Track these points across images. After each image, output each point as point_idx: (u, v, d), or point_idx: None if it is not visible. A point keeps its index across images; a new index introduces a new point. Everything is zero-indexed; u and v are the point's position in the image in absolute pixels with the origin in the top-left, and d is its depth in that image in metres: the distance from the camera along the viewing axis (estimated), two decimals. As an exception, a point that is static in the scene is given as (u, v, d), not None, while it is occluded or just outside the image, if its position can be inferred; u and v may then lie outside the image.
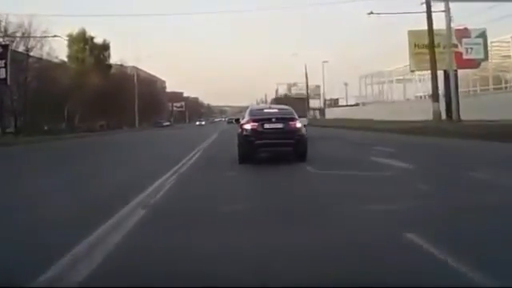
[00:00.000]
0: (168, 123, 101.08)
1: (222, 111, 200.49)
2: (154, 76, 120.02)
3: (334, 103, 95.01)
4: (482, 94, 47.60)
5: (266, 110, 15.40)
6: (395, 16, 37.29)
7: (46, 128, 53.26)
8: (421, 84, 66.49)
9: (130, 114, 75.43)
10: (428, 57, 32.77)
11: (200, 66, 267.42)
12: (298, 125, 14.32)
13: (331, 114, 78.61)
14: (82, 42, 67.35)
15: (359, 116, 63.89)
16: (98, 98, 60.22)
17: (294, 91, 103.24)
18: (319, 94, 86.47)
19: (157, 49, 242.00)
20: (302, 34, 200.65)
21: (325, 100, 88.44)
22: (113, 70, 76.35)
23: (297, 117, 14.87)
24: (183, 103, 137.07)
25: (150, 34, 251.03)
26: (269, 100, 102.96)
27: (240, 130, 14.66)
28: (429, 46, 32.15)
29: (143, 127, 78.98)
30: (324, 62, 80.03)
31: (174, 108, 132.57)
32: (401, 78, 72.79)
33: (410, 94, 73.51)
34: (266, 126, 14.06)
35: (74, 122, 61.27)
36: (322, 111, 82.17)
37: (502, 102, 35.03)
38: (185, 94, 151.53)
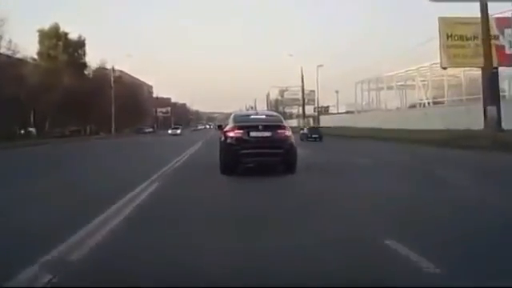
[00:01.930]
0: (151, 130, 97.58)
1: (210, 118, 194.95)
2: (139, 80, 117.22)
3: (325, 111, 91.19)
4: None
5: (252, 117, 14.83)
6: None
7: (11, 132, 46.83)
8: (424, 90, 62.00)
9: (109, 119, 69.52)
10: (465, 51, 27.48)
11: (190, 71, 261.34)
12: (288, 133, 13.73)
13: (328, 121, 73.62)
14: (54, 38, 61.35)
15: (362, 124, 58.79)
16: (71, 100, 54.59)
17: (286, 96, 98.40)
18: (314, 100, 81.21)
19: (145, 54, 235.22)
20: (298, 37, 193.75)
21: (318, 107, 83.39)
22: (93, 72, 72.12)
23: (286, 124, 14.36)
24: (169, 108, 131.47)
25: (137, 38, 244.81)
26: (260, 106, 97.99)
27: (223, 138, 13.80)
28: (483, 34, 25.42)
29: (124, 133, 73.45)
30: (319, 66, 74.76)
31: (159, 113, 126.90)
32: (401, 83, 68.74)
33: (410, 101, 69.87)
34: (252, 133, 13.37)
35: (43, 127, 55.48)
36: (316, 119, 76.50)
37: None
38: (173, 100, 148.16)
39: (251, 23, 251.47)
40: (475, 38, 28.71)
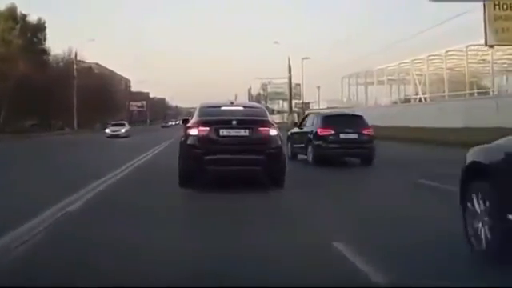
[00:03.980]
0: None
1: (189, 113, 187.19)
2: (117, 74, 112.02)
3: (306, 107, 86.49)
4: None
5: (224, 108, 11.23)
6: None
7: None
8: (420, 84, 57.25)
9: (77, 112, 63.62)
10: None
11: (170, 65, 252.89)
12: (273, 132, 10.35)
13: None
14: (10, 20, 54.80)
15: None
16: (30, 90, 48.59)
17: (270, 89, 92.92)
18: (299, 94, 76.01)
19: (124, 48, 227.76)
20: (282, 29, 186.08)
21: (303, 103, 78.30)
22: (61, 61, 66.67)
23: (271, 120, 11.09)
24: (144, 102, 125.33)
25: (115, 33, 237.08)
26: (241, 100, 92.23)
27: (183, 137, 10.48)
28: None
29: (94, 129, 67.42)
30: (304, 58, 69.45)
31: (134, 108, 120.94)
32: (392, 77, 64.04)
33: (404, 96, 65.49)
34: (223, 132, 10.13)
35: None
36: (300, 114, 70.80)
37: None
38: (152, 95, 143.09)
39: (233, 13, 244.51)
40: None
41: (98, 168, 14.22)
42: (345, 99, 73.40)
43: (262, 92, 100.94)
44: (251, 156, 10.02)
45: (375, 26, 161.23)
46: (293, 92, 69.46)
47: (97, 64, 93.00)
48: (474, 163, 5.40)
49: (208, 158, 9.91)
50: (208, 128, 10.15)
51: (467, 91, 48.99)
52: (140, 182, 11.84)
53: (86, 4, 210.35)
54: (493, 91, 44.46)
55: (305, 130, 16.78)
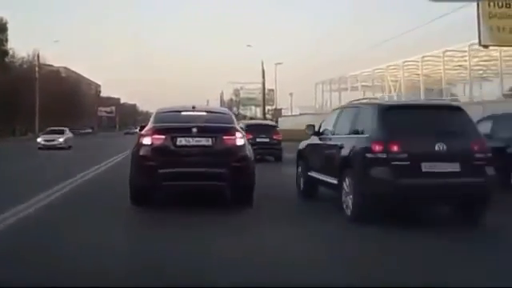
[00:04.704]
0: (90, 130, 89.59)
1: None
2: (87, 79, 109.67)
3: (278, 113, 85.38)
4: None
5: (184, 114, 9.75)
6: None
7: None
8: (396, 91, 56.29)
9: (40, 117, 61.31)
10: None
11: (142, 71, 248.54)
12: (240, 141, 9.01)
13: (288, 124, 67.27)
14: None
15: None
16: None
17: (243, 95, 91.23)
18: (272, 100, 74.72)
19: (94, 53, 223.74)
20: (255, 34, 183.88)
21: (275, 109, 77.08)
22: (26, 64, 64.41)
23: (238, 127, 9.56)
24: (113, 108, 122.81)
25: (87, 38, 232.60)
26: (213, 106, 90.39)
27: (135, 147, 9.16)
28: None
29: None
30: (278, 63, 68.16)
31: (104, 113, 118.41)
32: (368, 84, 63.16)
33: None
34: (181, 141, 8.81)
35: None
36: (275, 121, 69.43)
37: None
38: (123, 100, 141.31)
39: (204, 18, 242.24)
40: None
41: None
42: (317, 105, 72.29)
43: (234, 97, 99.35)
44: (214, 169, 8.71)
45: (352, 29, 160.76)
46: (266, 98, 67.99)
47: (65, 68, 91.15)
48: (298, 149, 11.42)
49: (163, 171, 8.57)
50: (163, 136, 8.84)
51: (444, 98, 48.07)
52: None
53: (59, 5, 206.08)
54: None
55: None
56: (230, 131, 9.11)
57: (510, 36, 21.87)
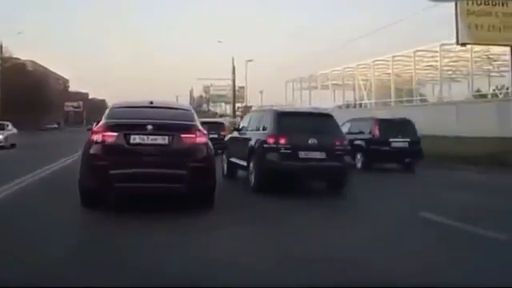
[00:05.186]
0: (55, 126, 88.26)
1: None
2: (52, 72, 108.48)
3: (248, 110, 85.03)
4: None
5: (140, 109, 9.03)
6: None
7: None
8: (366, 90, 56.41)
9: (2, 111, 59.56)
10: (492, 20, 19.99)
11: (113, 66, 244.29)
12: (200, 140, 8.40)
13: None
14: None
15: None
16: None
17: (213, 91, 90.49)
18: (242, 97, 74.26)
19: (62, 47, 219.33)
20: (226, 30, 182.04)
21: (245, 106, 76.67)
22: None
23: (199, 125, 8.79)
24: (80, 103, 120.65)
25: (56, 33, 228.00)
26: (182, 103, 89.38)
27: (86, 145, 8.38)
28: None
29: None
30: (248, 60, 67.68)
31: (71, 108, 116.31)
32: (338, 83, 63.16)
33: (348, 101, 64.68)
34: (135, 139, 8.07)
35: None
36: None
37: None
38: (92, 96, 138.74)
39: (177, 12, 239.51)
40: (504, 3, 21.35)
41: None
42: (284, 103, 72.22)
43: (204, 94, 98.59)
44: (171, 170, 8.08)
45: (325, 27, 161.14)
46: (236, 95, 67.50)
47: (32, 61, 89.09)
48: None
49: (114, 172, 7.86)
50: (116, 134, 8.07)
51: (414, 97, 48.50)
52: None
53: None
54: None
55: None
56: (190, 129, 8.46)
57: (488, 34, 21.87)
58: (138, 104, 9.59)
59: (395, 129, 17.93)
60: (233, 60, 62.73)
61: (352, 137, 16.52)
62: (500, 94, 44.83)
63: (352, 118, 20.29)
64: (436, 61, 43.67)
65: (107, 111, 9.08)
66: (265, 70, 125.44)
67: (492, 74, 49.31)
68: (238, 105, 73.05)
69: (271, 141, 11.16)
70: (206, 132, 8.84)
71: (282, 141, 11.02)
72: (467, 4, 21.59)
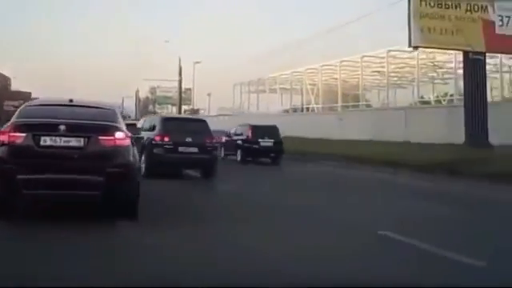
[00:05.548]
0: None
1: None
2: None
3: (195, 113, 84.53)
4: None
5: (55, 108, 8.22)
6: None
7: None
8: (313, 94, 56.53)
9: None
10: (444, 24, 19.86)
11: (58, 65, 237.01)
12: (121, 143, 7.59)
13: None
14: None
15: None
16: None
17: (159, 93, 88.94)
18: (190, 100, 73.34)
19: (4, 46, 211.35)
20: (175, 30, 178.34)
21: (192, 109, 75.89)
22: None
23: (122, 126, 8.03)
24: (21, 102, 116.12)
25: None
26: (128, 105, 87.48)
27: None
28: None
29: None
30: (196, 62, 66.97)
31: (11, 107, 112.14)
32: (286, 87, 63.20)
33: (296, 105, 64.75)
34: (45, 141, 7.29)
35: None
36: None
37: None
38: (35, 95, 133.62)
39: (122, 12, 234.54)
40: (457, 6, 21.25)
41: None
42: (235, 107, 71.77)
43: (150, 95, 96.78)
44: (86, 176, 7.33)
45: (274, 29, 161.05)
46: (183, 97, 66.57)
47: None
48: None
49: (22, 177, 7.07)
50: (23, 134, 7.27)
51: (360, 103, 48.94)
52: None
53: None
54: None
55: None
56: (109, 130, 7.65)
57: (441, 37, 21.78)
58: (54, 102, 8.82)
59: (264, 132, 23.58)
60: (179, 61, 61.91)
61: (235, 138, 23.93)
62: (444, 100, 45.72)
63: (238, 124, 26.60)
64: (383, 67, 44.17)
65: (18, 110, 8.24)
66: (213, 73, 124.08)
67: (436, 81, 50.25)
68: (185, 107, 72.11)
69: (158, 139, 14.81)
70: (129, 134, 8.08)
71: (166, 139, 14.71)
72: (420, 5, 21.42)
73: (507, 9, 22.62)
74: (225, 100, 77.55)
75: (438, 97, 49.84)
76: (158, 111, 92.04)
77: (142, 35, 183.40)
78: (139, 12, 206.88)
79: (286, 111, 61.19)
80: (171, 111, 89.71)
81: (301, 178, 17.22)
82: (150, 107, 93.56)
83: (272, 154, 23.20)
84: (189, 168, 15.81)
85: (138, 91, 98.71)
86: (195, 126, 16.02)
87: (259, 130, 23.57)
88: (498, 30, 22.58)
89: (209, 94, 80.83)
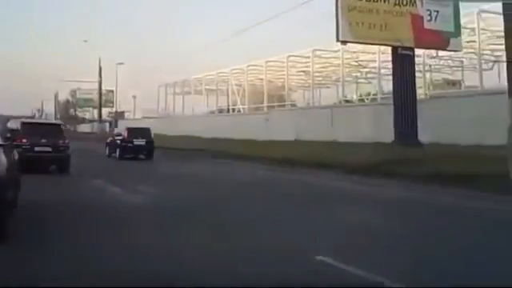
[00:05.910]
0: None
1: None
2: None
3: (120, 115, 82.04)
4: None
5: None
6: None
7: None
8: (239, 95, 55.80)
9: None
10: (373, 18, 19.32)
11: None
12: None
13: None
14: None
15: (174, 132, 49.49)
16: None
17: (79, 96, 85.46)
18: (112, 102, 70.69)
19: None
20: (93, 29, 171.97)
21: (116, 111, 73.18)
22: None
23: None
24: None
25: None
26: (48, 108, 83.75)
27: None
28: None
29: None
30: (119, 63, 64.40)
31: None
32: (212, 88, 62.18)
33: (222, 106, 63.80)
34: None
35: None
36: (114, 124, 65.43)
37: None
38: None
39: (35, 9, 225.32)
40: (385, 0, 20.85)
41: None
42: (160, 109, 70.07)
43: (70, 98, 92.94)
44: None
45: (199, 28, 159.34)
46: (105, 99, 64.14)
47: None
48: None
49: None
50: None
51: (286, 103, 48.67)
52: None
53: None
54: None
55: None
56: None
57: (369, 32, 21.17)
58: None
59: (138, 133, 27.44)
60: (99, 61, 59.61)
61: (117, 137, 27.97)
62: (367, 99, 46.01)
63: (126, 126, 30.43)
64: (308, 66, 43.99)
65: None
66: (138, 74, 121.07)
67: (360, 80, 50.63)
68: (108, 110, 69.62)
69: (19, 141, 15.85)
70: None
71: (24, 140, 16.50)
72: (348, -3, 20.83)
73: (435, 3, 22.45)
74: (151, 102, 75.62)
75: (361, 96, 50.18)
76: (79, 114, 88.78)
77: (61, 35, 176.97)
78: (59, 11, 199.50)
79: (212, 112, 60.17)
80: (92, 115, 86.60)
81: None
82: (71, 111, 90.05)
83: (145, 152, 26.90)
84: (46, 164, 17.29)
85: (57, 94, 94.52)
86: (50, 129, 18.89)
87: (133, 132, 27.59)
88: (426, 25, 22.35)
89: (134, 96, 78.71)
